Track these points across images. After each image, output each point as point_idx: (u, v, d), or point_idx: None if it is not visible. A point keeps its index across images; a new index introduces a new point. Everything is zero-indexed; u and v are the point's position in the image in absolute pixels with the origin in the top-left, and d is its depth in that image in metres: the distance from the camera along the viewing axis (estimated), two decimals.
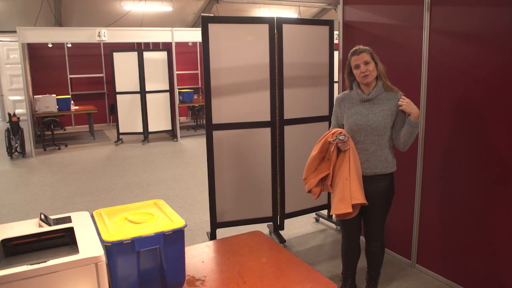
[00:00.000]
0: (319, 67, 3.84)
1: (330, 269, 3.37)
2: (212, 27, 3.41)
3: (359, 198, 2.50)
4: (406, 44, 3.25)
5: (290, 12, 11.65)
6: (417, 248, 3.31)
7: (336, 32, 3.92)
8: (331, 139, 2.56)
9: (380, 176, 2.62)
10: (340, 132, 2.57)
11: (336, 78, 3.93)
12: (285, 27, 3.59)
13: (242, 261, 2.02)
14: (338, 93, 3.95)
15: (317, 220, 4.42)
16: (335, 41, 3.92)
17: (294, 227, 4.26)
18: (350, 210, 2.50)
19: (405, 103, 2.50)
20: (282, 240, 3.83)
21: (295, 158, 3.80)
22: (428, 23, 3.03)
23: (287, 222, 4.13)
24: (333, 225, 4.24)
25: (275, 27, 3.56)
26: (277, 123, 3.68)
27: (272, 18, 3.55)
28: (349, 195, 2.50)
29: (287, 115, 3.70)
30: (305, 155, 3.73)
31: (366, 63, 2.55)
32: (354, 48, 2.60)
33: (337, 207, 2.55)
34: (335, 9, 11.59)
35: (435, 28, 3.00)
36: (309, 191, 2.74)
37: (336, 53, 3.87)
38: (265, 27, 3.53)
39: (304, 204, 3.95)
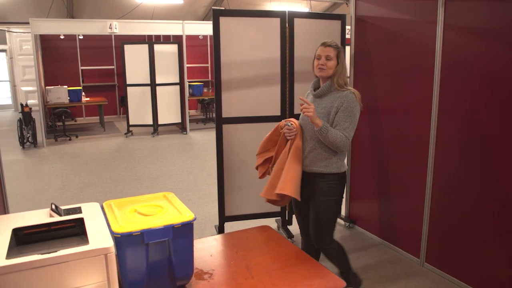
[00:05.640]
0: None
1: None
2: (223, 20, 3.40)
3: (286, 189, 2.47)
4: (419, 39, 3.22)
5: (301, 6, 11.58)
6: (426, 246, 3.29)
7: (348, 27, 3.89)
8: (283, 125, 2.58)
9: (321, 175, 2.53)
10: (291, 121, 2.56)
11: (347, 73, 3.90)
12: (297, 21, 3.57)
13: (250, 256, 2.02)
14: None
15: None
16: (347, 36, 3.89)
17: None
18: (274, 197, 2.55)
19: (312, 114, 2.39)
20: (290, 235, 3.82)
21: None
22: (442, 18, 2.99)
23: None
24: (342, 221, 4.23)
25: (287, 21, 3.53)
26: (287, 117, 3.66)
27: (284, 12, 3.53)
28: (277, 183, 2.52)
29: (297, 110, 3.69)
30: None
31: (328, 58, 2.51)
32: (325, 40, 2.58)
33: (265, 192, 2.60)
34: (346, 4, 11.47)
35: (450, 24, 2.96)
36: (257, 168, 2.79)
37: (347, 48, 3.84)
38: (277, 21, 3.51)
39: None
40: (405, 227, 3.46)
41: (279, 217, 3.89)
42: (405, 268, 3.33)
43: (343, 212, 4.24)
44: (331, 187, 2.53)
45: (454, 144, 3.00)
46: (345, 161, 2.62)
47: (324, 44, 2.55)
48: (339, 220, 4.27)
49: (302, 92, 3.66)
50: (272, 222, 4.10)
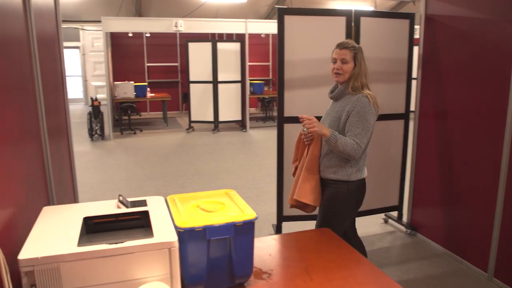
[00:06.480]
0: (397, 63, 3.68)
1: (398, 274, 3.24)
2: (288, 19, 3.38)
3: (302, 196, 2.45)
4: (496, 40, 3.02)
5: (365, 5, 11.31)
6: (495, 260, 3.08)
7: (416, 26, 3.73)
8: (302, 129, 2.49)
9: (332, 181, 2.44)
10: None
11: (414, 74, 3.75)
12: (363, 20, 3.48)
13: (309, 258, 1.99)
14: (416, 91, 3.78)
15: (385, 221, 4.27)
16: (416, 36, 3.74)
17: (360, 226, 4.11)
18: (292, 202, 2.56)
19: (316, 128, 2.27)
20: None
21: (368, 156, 3.68)
22: None
23: None
24: (403, 228, 4.07)
25: (353, 19, 3.45)
26: None
27: (350, 11, 3.45)
28: (294, 190, 2.51)
29: None
30: (379, 153, 3.63)
31: (344, 61, 2.37)
32: (341, 41, 2.44)
33: (290, 198, 2.59)
34: (413, 2, 11.06)
35: None
36: (293, 175, 2.73)
37: (415, 48, 3.69)
38: (342, 19, 3.44)
39: (372, 203, 3.83)
40: (472, 238, 3.27)
41: None
42: (471, 281, 3.14)
43: (404, 219, 4.09)
44: (336, 195, 2.44)
45: None
46: (363, 169, 2.48)
47: (340, 46, 2.40)
48: (400, 227, 4.12)
49: None
50: None
